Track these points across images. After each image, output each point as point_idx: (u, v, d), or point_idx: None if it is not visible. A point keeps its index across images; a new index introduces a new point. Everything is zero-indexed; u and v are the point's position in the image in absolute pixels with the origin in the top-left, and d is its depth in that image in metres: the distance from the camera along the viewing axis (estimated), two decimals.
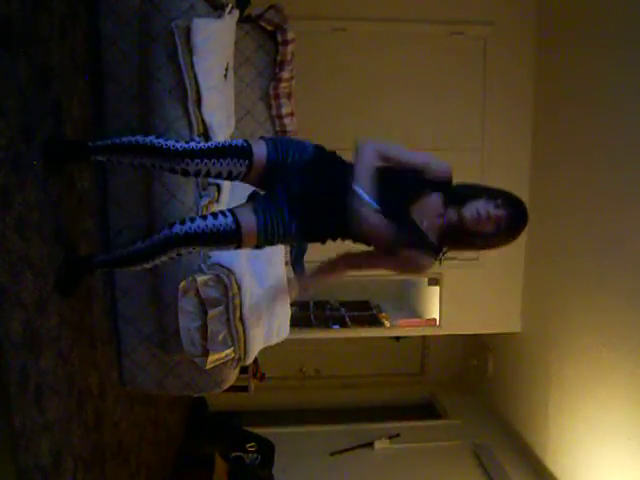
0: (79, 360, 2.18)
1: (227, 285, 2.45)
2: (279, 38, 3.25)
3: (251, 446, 4.56)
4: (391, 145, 1.98)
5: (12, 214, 1.69)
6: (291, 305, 3.29)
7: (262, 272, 2.83)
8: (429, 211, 1.93)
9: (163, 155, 1.90)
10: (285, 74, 3.29)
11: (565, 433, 4.02)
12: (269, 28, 3.25)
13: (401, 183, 1.93)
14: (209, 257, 2.54)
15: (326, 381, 6.38)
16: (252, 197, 2.02)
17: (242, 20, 3.14)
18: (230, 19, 2.70)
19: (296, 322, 4.12)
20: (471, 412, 5.56)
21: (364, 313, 5.70)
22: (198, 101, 2.45)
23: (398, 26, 4.29)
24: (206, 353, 2.54)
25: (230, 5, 2.66)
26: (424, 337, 6.33)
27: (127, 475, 2.86)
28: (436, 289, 4.88)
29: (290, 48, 3.26)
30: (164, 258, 1.97)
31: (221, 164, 1.90)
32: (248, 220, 1.90)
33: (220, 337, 2.52)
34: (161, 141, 1.92)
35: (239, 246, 1.94)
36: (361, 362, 6.36)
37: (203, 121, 2.49)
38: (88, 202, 2.39)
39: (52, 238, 1.97)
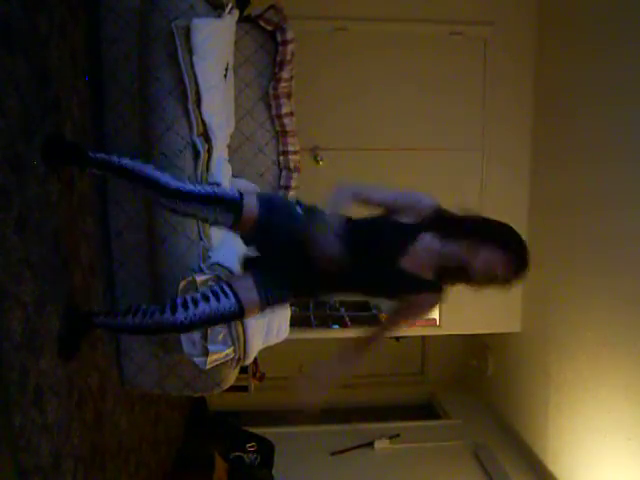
0: (79, 360, 2.18)
1: None
2: (279, 38, 3.25)
3: (251, 446, 4.56)
4: (366, 185, 1.96)
5: (12, 214, 1.68)
6: (291, 305, 3.29)
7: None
8: (424, 253, 1.90)
9: (156, 189, 1.94)
10: (285, 74, 3.29)
11: (565, 433, 4.02)
12: (269, 28, 3.25)
13: (385, 239, 1.90)
14: (209, 257, 2.54)
15: None
16: (246, 265, 2.06)
17: (242, 20, 3.14)
18: (230, 19, 2.70)
19: (296, 322, 4.12)
20: (471, 412, 5.56)
21: (364, 313, 5.69)
22: (198, 101, 2.45)
23: (398, 26, 4.29)
24: (206, 353, 2.54)
25: (230, 5, 2.66)
26: (424, 337, 6.33)
27: (127, 475, 2.86)
28: None
29: (290, 48, 3.26)
30: (166, 336, 2.02)
31: (209, 212, 1.94)
32: (250, 299, 1.93)
33: (220, 337, 2.52)
34: (158, 174, 1.95)
35: (242, 319, 2.07)
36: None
37: (203, 121, 2.49)
38: (88, 202, 2.39)
39: (52, 238, 1.97)
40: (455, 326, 4.91)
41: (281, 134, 3.39)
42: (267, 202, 2.00)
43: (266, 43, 3.29)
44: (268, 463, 4.48)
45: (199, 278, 2.44)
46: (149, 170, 1.97)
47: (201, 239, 2.53)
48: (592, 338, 3.72)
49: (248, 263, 2.08)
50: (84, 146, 2.13)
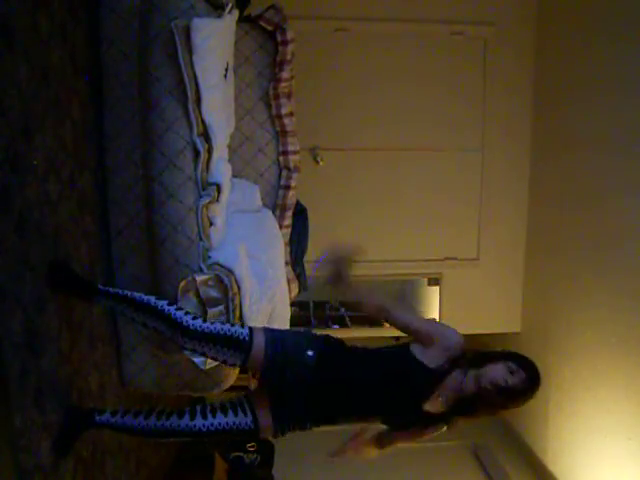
0: (79, 360, 2.18)
1: (227, 285, 2.44)
2: (279, 38, 3.25)
3: (251, 446, 4.55)
4: (399, 307, 2.02)
5: (12, 214, 1.68)
6: (291, 305, 3.29)
7: (262, 272, 2.83)
8: (447, 390, 1.92)
9: (169, 325, 1.95)
10: (285, 74, 3.28)
11: (565, 433, 4.02)
12: (269, 28, 3.25)
13: (417, 382, 1.92)
14: (209, 257, 2.54)
15: None
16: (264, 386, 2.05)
17: (242, 20, 3.13)
18: (230, 19, 2.70)
19: (296, 322, 4.12)
20: None
21: (364, 313, 5.68)
22: (198, 101, 2.45)
23: (398, 26, 4.29)
24: None
25: (230, 5, 2.66)
26: None
27: (127, 475, 2.86)
28: (436, 289, 4.87)
29: (290, 48, 3.26)
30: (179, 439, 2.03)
31: (217, 351, 1.95)
32: (266, 425, 1.98)
33: None
34: (172, 310, 1.97)
35: (256, 440, 2.04)
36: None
37: (203, 121, 2.49)
38: (88, 202, 2.39)
39: (52, 238, 1.97)
40: (455, 326, 4.89)
41: (281, 134, 3.38)
42: (275, 345, 1.98)
43: (266, 43, 3.29)
44: (268, 463, 4.48)
45: (199, 278, 2.44)
46: (163, 305, 1.99)
47: (201, 239, 2.53)
48: (592, 338, 3.72)
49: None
50: (91, 279, 2.15)
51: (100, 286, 2.09)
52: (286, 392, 1.99)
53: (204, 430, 1.93)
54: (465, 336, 2.05)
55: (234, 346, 1.93)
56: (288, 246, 3.48)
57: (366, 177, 4.45)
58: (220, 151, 2.72)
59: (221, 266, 2.51)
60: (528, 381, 1.88)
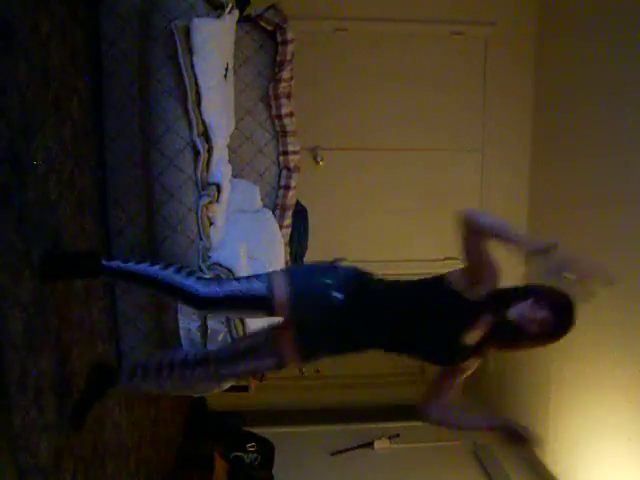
0: (79, 360, 2.18)
1: None
2: (279, 38, 3.25)
3: (251, 446, 4.56)
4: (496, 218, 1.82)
5: (12, 214, 1.68)
6: None
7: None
8: (483, 323, 1.88)
9: (182, 298, 1.88)
10: (285, 74, 3.28)
11: (565, 433, 4.01)
12: (269, 28, 3.25)
13: (461, 313, 1.85)
14: (209, 257, 2.54)
15: (326, 381, 6.38)
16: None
17: (242, 20, 3.14)
18: (230, 19, 2.70)
19: None
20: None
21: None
22: (198, 101, 2.45)
23: (398, 26, 4.29)
24: None
25: (230, 5, 2.66)
26: None
27: (127, 475, 2.86)
28: None
29: (290, 48, 3.26)
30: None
31: (239, 313, 1.96)
32: (290, 359, 1.95)
33: (220, 337, 2.52)
34: (182, 280, 1.85)
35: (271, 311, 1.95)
36: (361, 362, 6.35)
37: (203, 121, 2.49)
38: (88, 202, 2.39)
39: (52, 238, 1.97)
40: None
41: (281, 134, 3.38)
42: (300, 291, 1.85)
43: (266, 43, 3.29)
44: (268, 463, 4.48)
45: None
46: (170, 275, 1.86)
47: (201, 239, 2.53)
48: (592, 338, 3.72)
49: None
50: (96, 257, 2.01)
51: (104, 262, 1.95)
52: (317, 334, 1.93)
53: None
54: None
55: (255, 305, 1.84)
56: (288, 246, 3.48)
57: (366, 177, 4.45)
58: (220, 151, 2.72)
59: (221, 266, 2.51)
60: (558, 318, 1.83)
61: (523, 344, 1.93)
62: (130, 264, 1.94)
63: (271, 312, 1.85)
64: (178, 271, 1.88)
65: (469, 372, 2.02)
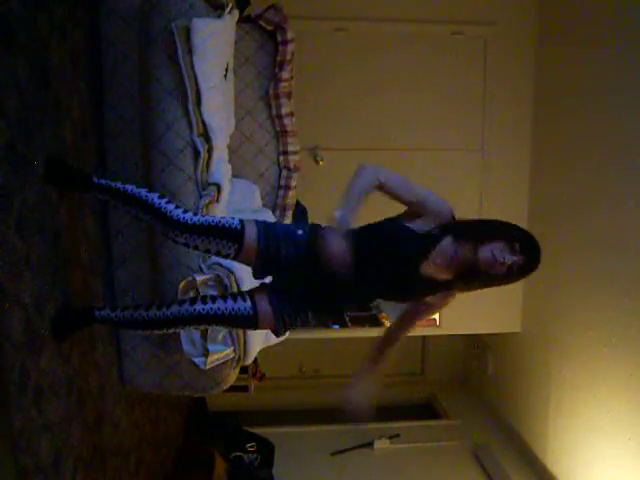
0: (79, 360, 2.18)
1: (227, 285, 2.45)
2: (279, 38, 3.25)
3: (251, 446, 4.56)
4: (392, 173, 1.95)
5: (12, 214, 1.68)
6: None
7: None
8: (441, 257, 1.91)
9: (159, 218, 1.95)
10: (285, 74, 3.28)
11: (565, 433, 4.02)
12: (269, 28, 3.25)
13: (409, 247, 1.90)
14: (209, 257, 2.54)
15: (326, 381, 6.38)
16: (263, 284, 2.06)
17: (242, 20, 3.14)
18: (230, 19, 2.70)
19: None
20: (471, 412, 5.56)
21: (364, 313, 5.69)
22: (198, 101, 2.45)
23: (398, 26, 4.29)
24: (206, 353, 2.54)
25: (230, 5, 2.66)
26: (424, 337, 6.33)
27: (127, 475, 2.86)
28: None
29: (290, 48, 3.26)
30: (179, 330, 2.05)
31: (209, 242, 1.94)
32: (265, 310, 1.96)
33: (220, 337, 2.52)
34: (162, 203, 1.95)
35: (255, 329, 2.03)
36: (361, 362, 6.34)
37: (203, 121, 2.49)
38: (88, 202, 2.39)
39: (52, 238, 1.97)
40: (455, 326, 4.91)
41: (281, 134, 3.38)
42: (267, 230, 1.98)
43: (266, 43, 3.29)
44: (268, 463, 4.49)
45: (199, 278, 2.45)
46: (155, 198, 1.97)
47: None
48: (592, 338, 3.72)
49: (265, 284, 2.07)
50: (86, 170, 2.14)
51: (95, 179, 2.06)
52: (283, 275, 1.99)
53: (204, 313, 1.92)
54: (465, 336, 2.06)
55: (226, 235, 1.92)
56: None
57: None
58: (220, 151, 2.72)
59: (221, 266, 2.51)
60: (526, 262, 1.86)
61: (488, 283, 1.95)
62: (118, 183, 2.04)
63: (240, 247, 1.93)
64: (161, 197, 1.99)
65: (437, 310, 2.09)
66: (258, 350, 2.79)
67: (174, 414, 4.22)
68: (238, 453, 4.50)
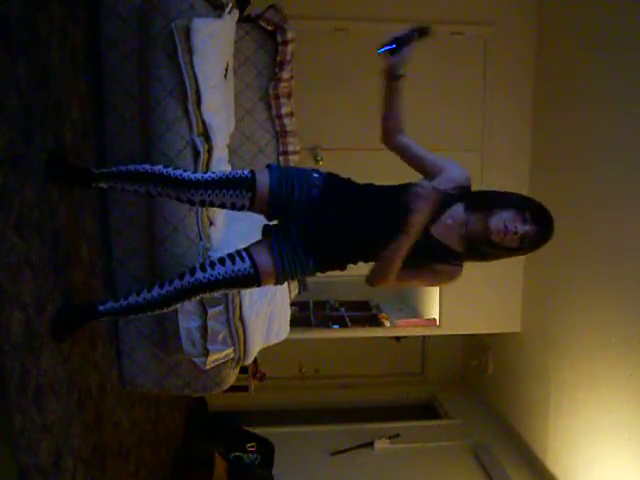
0: (79, 360, 2.18)
1: None
2: (279, 38, 3.25)
3: (251, 446, 4.56)
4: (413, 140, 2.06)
5: (12, 214, 1.69)
6: (291, 305, 3.29)
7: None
8: (452, 222, 1.93)
9: (171, 184, 1.96)
10: (285, 74, 3.29)
11: (565, 433, 4.02)
12: (269, 28, 3.25)
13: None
14: (209, 257, 2.54)
15: (326, 381, 6.38)
16: (266, 232, 2.05)
17: (242, 20, 3.14)
18: (230, 19, 2.70)
19: (296, 322, 4.12)
20: (471, 412, 5.56)
21: (364, 313, 5.69)
22: (198, 101, 2.45)
23: (398, 26, 4.28)
24: (206, 353, 2.54)
25: (230, 5, 2.66)
26: (424, 337, 6.33)
27: (127, 475, 2.86)
28: (436, 289, 4.88)
29: (290, 48, 3.26)
30: (186, 302, 2.03)
31: (224, 195, 1.95)
32: (265, 262, 1.96)
33: (220, 337, 2.52)
34: (169, 170, 1.98)
35: (259, 285, 2.01)
36: (361, 362, 6.36)
37: (203, 121, 2.49)
38: (88, 202, 2.39)
39: (52, 238, 1.97)
40: (455, 326, 4.91)
41: (281, 134, 3.39)
42: (281, 171, 2.00)
43: (266, 43, 3.29)
44: (268, 463, 4.49)
45: None
46: (160, 168, 2.00)
47: (201, 239, 2.53)
48: (592, 338, 3.72)
49: (269, 231, 2.06)
50: (85, 165, 2.15)
51: (94, 169, 2.08)
52: (292, 215, 1.98)
53: (205, 281, 1.93)
54: (465, 336, 2.05)
55: (239, 185, 1.94)
56: None
57: (366, 177, 4.44)
58: (220, 151, 2.72)
59: None
60: (538, 232, 1.85)
61: (499, 254, 1.95)
62: (120, 166, 2.06)
63: (253, 195, 1.95)
64: (166, 167, 2.02)
65: (441, 279, 2.06)
66: (258, 350, 2.79)
67: (174, 414, 4.22)
68: (238, 453, 4.50)
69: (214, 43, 2.50)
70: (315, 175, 2.02)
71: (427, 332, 5.35)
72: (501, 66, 4.39)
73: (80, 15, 2.33)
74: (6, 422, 1.64)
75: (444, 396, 6.04)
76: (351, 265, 2.07)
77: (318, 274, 2.09)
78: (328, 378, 6.40)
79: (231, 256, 1.98)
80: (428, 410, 6.03)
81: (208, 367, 2.55)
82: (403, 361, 6.52)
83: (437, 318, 4.93)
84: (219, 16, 2.56)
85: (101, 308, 2.07)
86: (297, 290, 3.56)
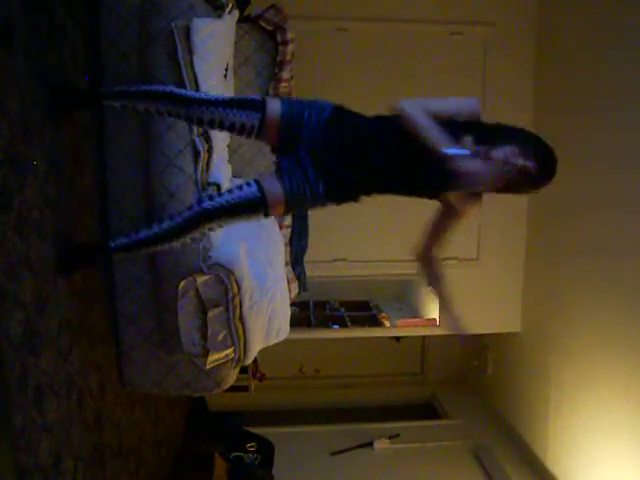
0: (79, 360, 2.18)
1: (227, 285, 2.44)
2: (279, 38, 3.25)
3: (251, 446, 4.56)
4: (425, 101, 1.94)
5: (12, 214, 1.69)
6: (291, 305, 3.29)
7: (262, 272, 2.83)
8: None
9: (181, 102, 1.98)
10: (285, 74, 3.29)
11: (565, 433, 4.02)
12: (269, 28, 3.25)
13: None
14: (209, 257, 2.54)
15: (326, 381, 6.38)
16: (277, 166, 2.03)
17: (242, 20, 3.14)
18: (230, 19, 2.70)
19: (296, 322, 4.12)
20: (471, 412, 5.56)
21: (364, 313, 5.70)
22: None
23: (398, 26, 4.29)
24: (206, 353, 2.53)
25: (230, 5, 2.66)
26: (424, 337, 6.33)
27: (127, 475, 2.86)
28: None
29: (290, 48, 3.26)
30: (195, 234, 2.02)
31: (234, 114, 1.94)
32: (272, 186, 1.93)
33: (220, 337, 2.52)
34: (181, 90, 2.03)
35: (267, 213, 1.97)
36: (361, 362, 6.36)
37: None
38: (88, 202, 2.39)
39: (52, 238, 1.97)
40: None
41: None
42: (291, 99, 2.02)
43: (266, 43, 3.29)
44: (268, 463, 4.49)
45: (199, 278, 2.44)
46: (172, 88, 2.03)
47: (201, 239, 2.53)
48: (592, 338, 3.72)
49: (279, 162, 2.03)
50: (95, 87, 2.21)
51: (104, 89, 2.12)
52: (304, 139, 1.96)
53: (212, 208, 1.93)
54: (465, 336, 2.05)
55: (249, 106, 1.94)
56: (288, 246, 3.48)
57: None
58: (220, 151, 2.72)
59: (221, 266, 2.51)
60: (539, 170, 1.90)
61: (501, 189, 1.97)
62: (132, 86, 2.11)
63: (263, 117, 1.94)
64: (178, 87, 2.08)
65: (463, 216, 2.08)
66: (258, 350, 2.79)
67: (174, 414, 4.22)
68: (238, 453, 4.50)
69: (214, 43, 2.50)
70: (325, 103, 2.00)
71: (427, 332, 5.35)
72: (501, 66, 4.40)
73: (80, 15, 2.33)
74: (6, 422, 1.64)
75: (444, 396, 6.04)
76: (364, 197, 2.02)
77: (330, 204, 2.01)
78: (328, 378, 6.40)
79: (239, 185, 1.97)
80: (428, 410, 6.03)
81: (208, 367, 2.55)
82: (403, 361, 6.52)
83: (437, 318, 4.93)
84: (219, 16, 2.56)
85: (112, 245, 2.08)
86: (297, 290, 3.56)
